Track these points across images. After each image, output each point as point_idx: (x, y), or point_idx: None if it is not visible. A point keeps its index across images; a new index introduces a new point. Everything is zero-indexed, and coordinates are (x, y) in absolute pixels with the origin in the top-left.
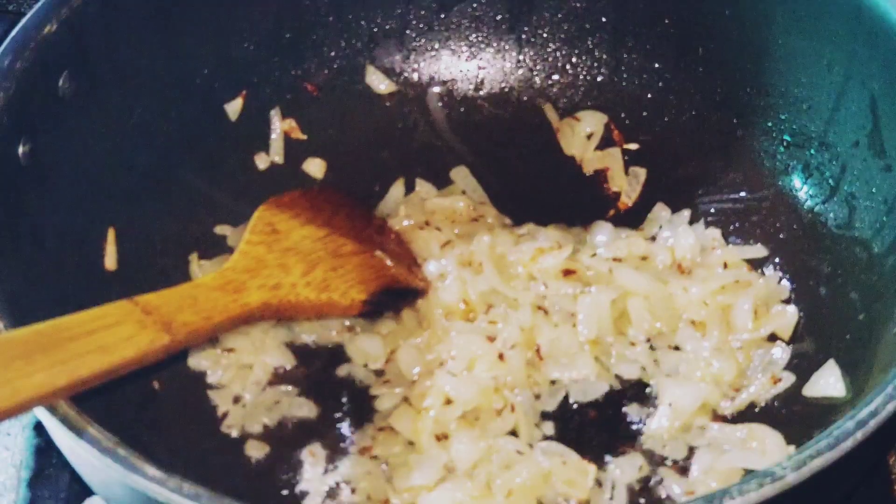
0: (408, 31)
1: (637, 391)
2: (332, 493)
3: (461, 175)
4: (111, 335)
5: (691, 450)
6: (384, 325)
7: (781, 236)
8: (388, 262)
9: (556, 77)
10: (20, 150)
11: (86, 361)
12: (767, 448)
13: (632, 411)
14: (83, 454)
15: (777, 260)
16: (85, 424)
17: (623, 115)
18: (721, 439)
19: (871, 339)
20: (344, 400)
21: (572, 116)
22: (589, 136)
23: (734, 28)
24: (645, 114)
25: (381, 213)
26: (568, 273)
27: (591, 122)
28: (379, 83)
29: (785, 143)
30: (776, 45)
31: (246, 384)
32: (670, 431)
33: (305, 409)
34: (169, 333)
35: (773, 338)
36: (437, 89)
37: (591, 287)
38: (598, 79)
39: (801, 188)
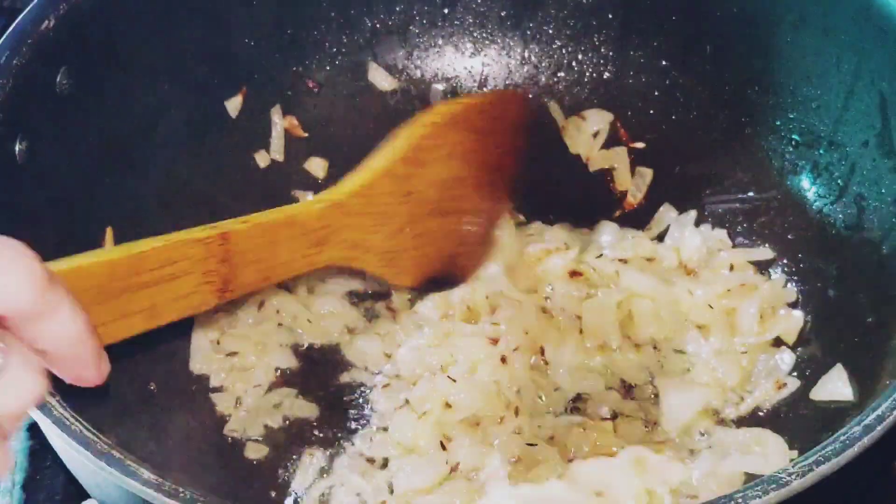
0: (411, 28)
1: (640, 394)
2: (330, 494)
3: None
4: (179, 287)
5: (693, 454)
6: (382, 325)
7: (789, 237)
8: (460, 248)
9: (561, 74)
10: (17, 147)
11: (150, 315)
12: (770, 452)
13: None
14: (78, 457)
15: (784, 261)
16: (80, 427)
17: (629, 113)
18: (723, 443)
19: (880, 342)
20: (345, 400)
21: (578, 115)
22: (595, 135)
23: (742, 26)
24: (651, 112)
25: None
26: (574, 274)
27: (597, 120)
28: (381, 80)
29: (793, 143)
30: (784, 43)
31: (248, 387)
32: (673, 435)
33: (306, 410)
34: (218, 298)
35: (778, 342)
36: (440, 86)
37: (598, 291)
38: (605, 76)
39: (810, 188)
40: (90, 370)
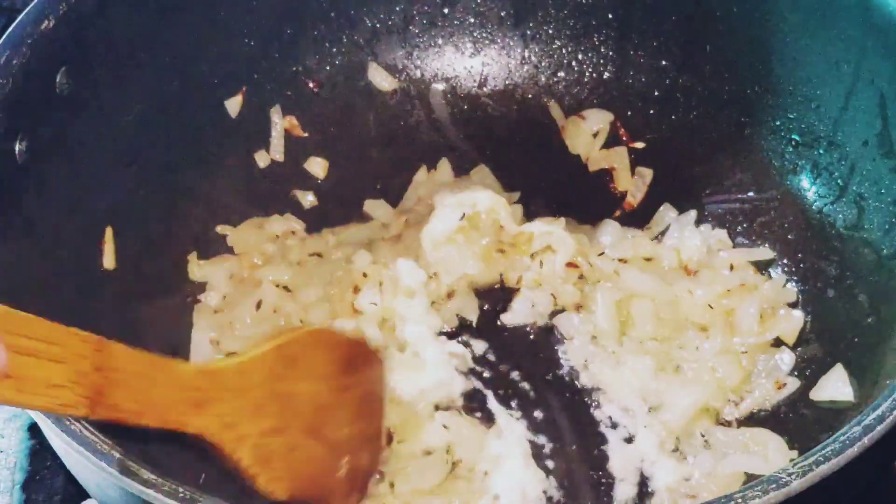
0: (411, 27)
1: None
2: None
3: (481, 175)
4: (51, 371)
5: (693, 454)
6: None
7: (789, 237)
8: (333, 486)
9: (561, 74)
10: (17, 147)
11: (16, 386)
12: (770, 452)
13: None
14: (78, 457)
15: (784, 261)
16: (80, 427)
17: (629, 113)
18: (723, 443)
19: (880, 342)
20: None
21: (578, 115)
22: (595, 135)
23: (742, 26)
24: (651, 112)
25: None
26: (570, 266)
27: (597, 120)
28: (381, 80)
29: (793, 143)
30: (784, 43)
31: None
32: (671, 435)
33: None
34: (88, 406)
35: (778, 342)
36: (440, 86)
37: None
38: (605, 76)
39: (810, 188)
40: None
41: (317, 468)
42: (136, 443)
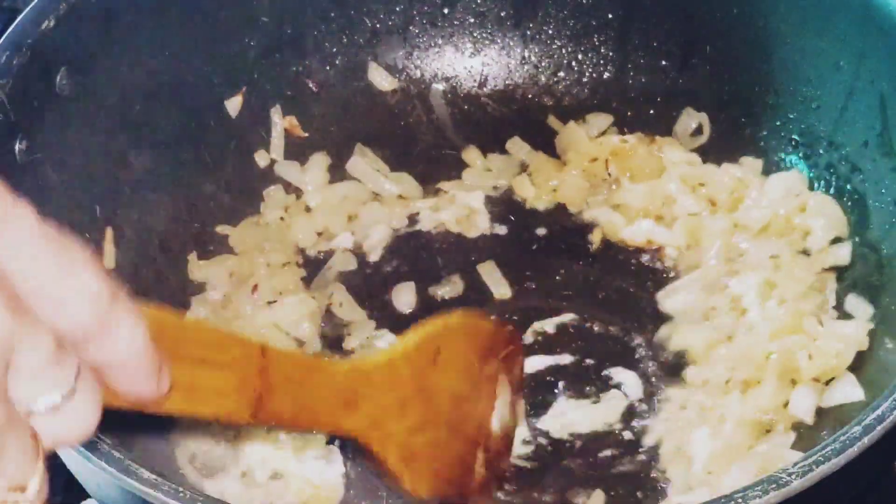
0: (411, 27)
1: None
2: None
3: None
4: (219, 379)
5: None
6: None
7: None
8: (469, 482)
9: (561, 74)
10: (17, 147)
11: (187, 396)
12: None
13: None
14: (78, 457)
15: None
16: None
17: (629, 113)
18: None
19: (880, 343)
20: None
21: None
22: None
23: (742, 26)
24: (651, 112)
25: None
26: None
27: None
28: (381, 80)
29: (793, 143)
30: (784, 43)
31: None
32: None
33: None
34: (251, 413)
35: None
36: (440, 86)
37: None
38: (605, 76)
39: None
40: (149, 383)
41: (459, 463)
42: (136, 442)
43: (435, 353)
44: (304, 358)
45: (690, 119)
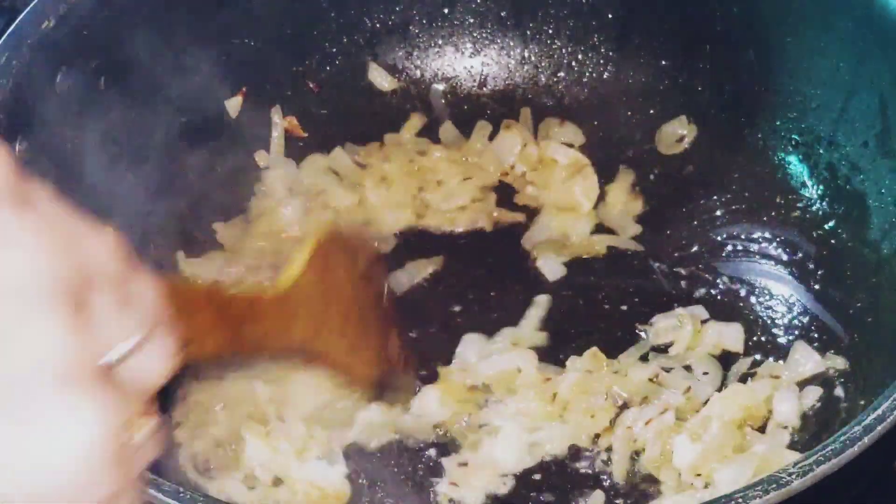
0: (410, 27)
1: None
2: None
3: None
4: (201, 323)
5: None
6: None
7: (789, 237)
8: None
9: (561, 74)
10: (17, 147)
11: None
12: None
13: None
14: None
15: (784, 261)
16: None
17: (629, 113)
18: None
19: (879, 342)
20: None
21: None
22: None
23: (742, 26)
24: (651, 112)
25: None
26: None
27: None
28: (381, 80)
29: (793, 143)
30: (784, 43)
31: None
32: None
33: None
34: (237, 343)
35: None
36: (440, 86)
37: None
38: (605, 76)
39: (810, 188)
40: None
41: (375, 344)
42: None
43: (325, 259)
44: (244, 292)
45: (679, 128)
